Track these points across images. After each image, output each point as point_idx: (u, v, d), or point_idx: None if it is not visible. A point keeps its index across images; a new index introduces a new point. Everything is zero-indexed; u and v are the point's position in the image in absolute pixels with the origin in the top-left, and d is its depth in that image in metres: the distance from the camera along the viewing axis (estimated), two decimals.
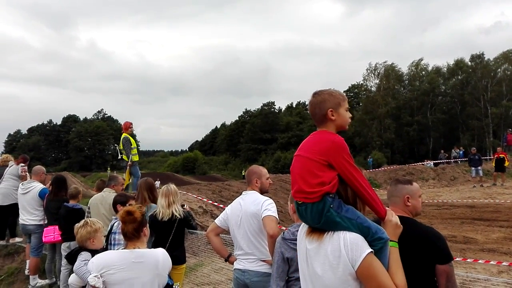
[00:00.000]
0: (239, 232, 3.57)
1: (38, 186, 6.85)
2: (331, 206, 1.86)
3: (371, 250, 1.83)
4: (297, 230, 2.85)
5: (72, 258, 3.68)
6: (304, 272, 2.03)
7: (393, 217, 2.07)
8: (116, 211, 4.53)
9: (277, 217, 3.46)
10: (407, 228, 2.32)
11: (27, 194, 6.80)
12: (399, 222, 2.08)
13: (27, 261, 7.08)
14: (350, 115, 2.08)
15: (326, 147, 1.92)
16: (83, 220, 3.92)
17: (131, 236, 2.86)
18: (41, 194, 6.71)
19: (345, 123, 2.05)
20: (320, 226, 1.91)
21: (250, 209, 3.53)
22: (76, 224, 3.84)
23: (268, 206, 3.48)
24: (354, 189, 1.94)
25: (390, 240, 1.94)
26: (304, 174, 1.93)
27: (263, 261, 3.48)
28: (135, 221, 2.86)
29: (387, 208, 2.11)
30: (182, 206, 5.07)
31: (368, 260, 1.80)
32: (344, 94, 2.11)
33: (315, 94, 2.08)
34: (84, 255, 3.57)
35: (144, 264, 2.78)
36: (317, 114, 2.04)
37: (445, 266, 2.35)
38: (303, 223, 2.11)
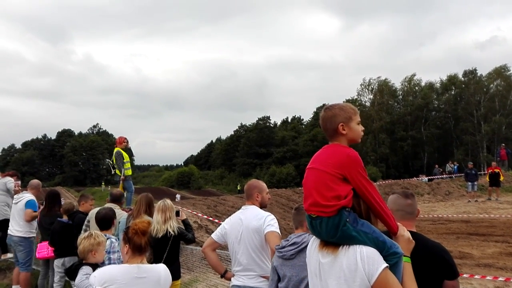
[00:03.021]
0: (239, 248, 3.49)
1: (27, 196, 6.77)
2: (347, 220, 1.86)
3: (387, 265, 1.83)
4: (287, 241, 2.95)
5: (72, 273, 3.63)
6: (315, 286, 2.01)
7: (405, 232, 2.09)
8: (110, 226, 4.47)
9: (280, 232, 3.44)
10: (417, 243, 2.34)
11: (18, 204, 6.74)
12: (411, 237, 2.10)
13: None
14: (363, 128, 2.10)
15: (341, 160, 1.92)
16: (88, 232, 3.87)
17: (145, 248, 2.85)
18: (27, 205, 6.62)
19: (357, 137, 2.06)
20: (336, 240, 1.90)
21: (252, 224, 3.47)
22: (81, 235, 3.81)
23: (271, 222, 3.45)
24: (368, 203, 1.95)
25: (404, 255, 1.95)
26: (320, 187, 1.91)
27: (263, 277, 3.42)
28: (148, 233, 2.88)
29: (398, 223, 2.11)
30: (177, 213, 5.04)
31: (384, 275, 1.81)
32: (356, 108, 2.11)
33: (326, 109, 2.08)
34: (85, 269, 3.53)
35: (146, 279, 2.75)
36: (328, 129, 2.05)
37: (454, 282, 2.37)
38: (313, 237, 2.10)
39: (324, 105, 2.33)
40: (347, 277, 1.83)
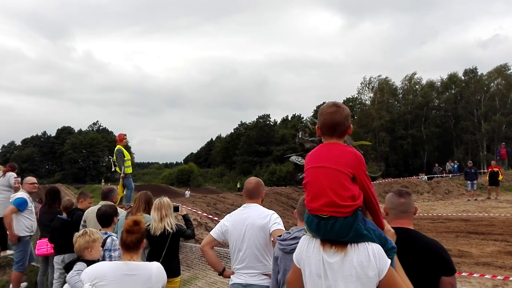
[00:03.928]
0: (243, 245, 3.48)
1: (18, 195, 6.72)
2: (359, 219, 1.91)
3: (390, 259, 1.91)
4: (288, 233, 2.94)
5: (70, 269, 3.66)
6: (317, 287, 2.00)
7: (390, 227, 2.17)
8: (110, 223, 4.48)
9: (285, 230, 3.45)
10: (413, 240, 2.40)
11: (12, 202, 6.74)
12: (394, 232, 2.18)
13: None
14: None
15: (351, 160, 1.95)
16: (83, 230, 3.89)
17: (132, 247, 2.85)
18: (14, 201, 6.58)
19: None
20: (347, 240, 1.91)
21: (257, 222, 3.46)
22: (76, 233, 3.82)
23: (276, 220, 3.47)
24: (367, 201, 2.00)
25: None
26: (336, 187, 1.91)
27: (265, 274, 3.42)
28: (139, 232, 2.86)
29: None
30: (176, 209, 5.04)
31: (391, 269, 1.89)
32: None
33: (340, 107, 2.07)
34: (79, 265, 3.55)
35: (136, 277, 2.74)
36: (343, 125, 2.03)
37: (451, 278, 2.41)
38: (307, 238, 2.09)
39: (324, 103, 2.33)
40: (359, 274, 1.86)
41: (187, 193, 34.93)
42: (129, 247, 2.84)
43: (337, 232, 1.90)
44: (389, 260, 1.89)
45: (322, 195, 1.92)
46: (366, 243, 1.90)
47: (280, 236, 3.02)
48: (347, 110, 2.07)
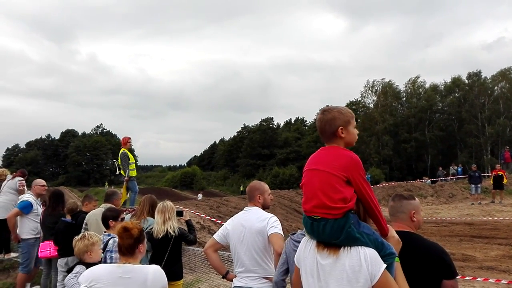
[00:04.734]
0: (242, 249, 3.48)
1: (24, 197, 6.75)
2: (352, 222, 1.90)
3: (386, 265, 1.88)
4: (303, 235, 2.93)
5: (71, 271, 3.70)
6: (311, 286, 2.02)
7: (394, 233, 2.14)
8: (108, 226, 4.51)
9: (283, 234, 3.45)
10: (414, 244, 2.40)
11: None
12: (399, 238, 2.15)
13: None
14: (357, 132, 2.13)
15: (346, 163, 1.95)
16: (82, 233, 3.93)
17: (125, 252, 2.86)
18: (18, 204, 6.62)
19: (353, 140, 2.10)
20: (339, 242, 1.91)
21: (255, 226, 3.46)
22: (75, 237, 3.86)
23: (274, 223, 3.45)
24: (366, 206, 1.99)
25: None
26: (326, 189, 1.92)
27: (266, 278, 3.42)
28: (131, 238, 2.85)
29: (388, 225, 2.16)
30: (180, 213, 5.06)
31: (385, 275, 1.86)
32: (352, 112, 2.14)
33: (325, 111, 2.10)
34: (78, 268, 3.59)
35: (131, 280, 2.74)
36: (327, 131, 2.06)
37: (452, 282, 2.41)
38: (306, 239, 2.11)
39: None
40: (350, 278, 1.86)
41: (199, 196, 35.27)
42: (122, 251, 2.87)
43: (328, 234, 1.91)
44: (384, 265, 1.87)
45: (314, 197, 1.96)
46: (359, 247, 1.89)
47: (294, 234, 3.02)
48: (331, 115, 2.06)
